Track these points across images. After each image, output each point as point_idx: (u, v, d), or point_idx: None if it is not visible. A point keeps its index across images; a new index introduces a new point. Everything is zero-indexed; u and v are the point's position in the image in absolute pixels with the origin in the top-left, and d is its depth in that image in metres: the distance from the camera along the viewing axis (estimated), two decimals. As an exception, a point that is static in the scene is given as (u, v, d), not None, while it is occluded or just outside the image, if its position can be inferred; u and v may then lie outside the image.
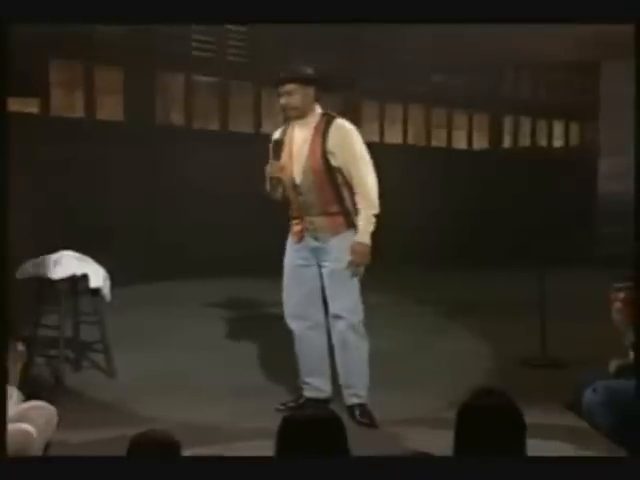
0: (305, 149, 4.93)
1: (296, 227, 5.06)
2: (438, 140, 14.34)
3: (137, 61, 10.68)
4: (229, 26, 11.13)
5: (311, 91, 4.97)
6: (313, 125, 4.94)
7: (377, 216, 4.90)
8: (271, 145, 5.01)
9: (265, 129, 12.02)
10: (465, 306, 8.50)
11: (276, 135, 5.09)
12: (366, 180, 4.87)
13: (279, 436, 2.67)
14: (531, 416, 2.82)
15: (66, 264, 5.74)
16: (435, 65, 13.01)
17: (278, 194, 5.10)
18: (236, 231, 10.62)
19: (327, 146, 4.87)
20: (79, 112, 10.46)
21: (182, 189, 10.63)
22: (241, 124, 11.87)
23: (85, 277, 5.78)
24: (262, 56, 11.69)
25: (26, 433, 3.68)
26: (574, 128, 16.13)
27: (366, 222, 4.86)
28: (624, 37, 4.54)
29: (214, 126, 11.73)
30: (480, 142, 14.92)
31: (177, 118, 11.50)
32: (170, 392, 5.51)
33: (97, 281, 5.80)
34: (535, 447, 2.73)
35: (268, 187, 5.07)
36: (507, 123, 15.25)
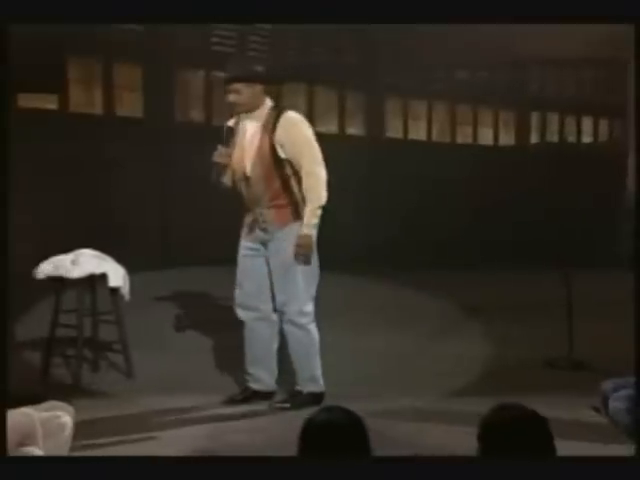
0: (255, 142, 5.01)
1: (247, 219, 5.18)
2: (464, 137, 14.22)
3: (156, 58, 10.65)
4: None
5: (258, 87, 5.03)
6: (262, 119, 5.02)
7: (324, 207, 4.96)
8: (224, 132, 5.10)
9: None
10: (490, 307, 8.37)
11: (229, 123, 5.17)
12: (314, 171, 4.96)
13: (301, 438, 2.65)
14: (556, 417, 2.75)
15: (84, 263, 5.68)
16: (461, 62, 12.92)
17: (226, 182, 5.18)
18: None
19: (275, 138, 4.95)
20: (98, 109, 10.44)
21: (201, 187, 10.57)
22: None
23: (104, 276, 5.71)
24: (283, 52, 11.64)
25: (26, 414, 3.53)
26: (603, 125, 15.95)
27: (310, 214, 4.95)
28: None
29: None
30: (507, 139, 14.78)
31: (197, 115, 11.45)
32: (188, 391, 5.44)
33: (116, 280, 5.74)
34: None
35: (214, 174, 5.13)
36: (534, 119, 15.10)
